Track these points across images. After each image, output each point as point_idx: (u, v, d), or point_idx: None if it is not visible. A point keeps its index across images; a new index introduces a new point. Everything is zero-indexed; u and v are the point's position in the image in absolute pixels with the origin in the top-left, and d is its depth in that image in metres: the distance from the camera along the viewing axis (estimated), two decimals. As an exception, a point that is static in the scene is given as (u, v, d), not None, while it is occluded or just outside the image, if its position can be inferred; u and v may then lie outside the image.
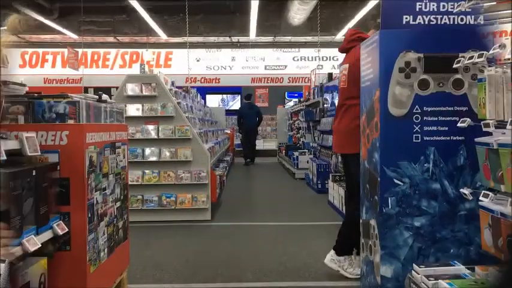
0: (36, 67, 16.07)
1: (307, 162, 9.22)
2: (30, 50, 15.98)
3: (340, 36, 13.97)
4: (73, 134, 2.37)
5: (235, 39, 15.48)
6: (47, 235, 2.20)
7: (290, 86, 16.55)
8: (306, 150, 10.15)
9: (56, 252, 2.33)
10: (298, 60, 16.30)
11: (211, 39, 15.34)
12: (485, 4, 2.20)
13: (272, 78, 16.50)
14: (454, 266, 2.47)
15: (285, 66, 16.46)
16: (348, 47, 3.76)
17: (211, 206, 5.85)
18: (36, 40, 15.56)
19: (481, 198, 2.22)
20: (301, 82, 15.85)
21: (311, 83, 11.84)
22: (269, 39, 15.43)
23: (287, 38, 15.29)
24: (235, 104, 17.20)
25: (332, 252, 3.71)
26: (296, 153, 10.18)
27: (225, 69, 16.35)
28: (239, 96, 16.95)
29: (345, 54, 3.86)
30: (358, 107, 3.56)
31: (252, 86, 16.47)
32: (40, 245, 2.06)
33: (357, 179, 3.65)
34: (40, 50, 16.04)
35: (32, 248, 1.98)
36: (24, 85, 2.68)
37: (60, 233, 2.27)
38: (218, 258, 4.23)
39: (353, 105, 3.60)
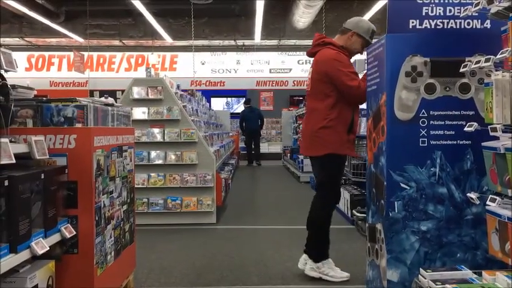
0: (42, 70, 16.16)
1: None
2: (36, 53, 16.07)
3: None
4: (81, 138, 2.39)
5: (240, 42, 15.51)
6: (55, 238, 2.22)
7: (295, 89, 16.54)
8: (311, 154, 10.11)
9: (63, 255, 2.36)
10: (303, 63, 16.30)
11: (216, 42, 15.38)
12: (492, 8, 2.20)
13: (277, 82, 16.52)
14: (460, 270, 2.46)
15: (290, 70, 16.47)
16: (314, 51, 3.78)
17: (217, 209, 5.85)
18: (42, 43, 15.66)
19: (488, 202, 2.21)
20: (306, 85, 15.82)
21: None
22: (274, 42, 15.45)
23: (292, 42, 15.30)
24: (240, 107, 17.22)
25: (309, 261, 3.67)
26: (301, 157, 10.17)
27: (230, 72, 16.38)
28: (244, 99, 16.98)
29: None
30: (321, 111, 3.58)
31: (256, 89, 16.49)
32: (48, 248, 2.08)
33: (320, 181, 3.68)
34: (46, 54, 16.13)
35: (40, 251, 2.00)
36: (32, 89, 2.71)
37: (68, 236, 2.29)
38: (223, 261, 4.23)
39: (317, 109, 3.63)
